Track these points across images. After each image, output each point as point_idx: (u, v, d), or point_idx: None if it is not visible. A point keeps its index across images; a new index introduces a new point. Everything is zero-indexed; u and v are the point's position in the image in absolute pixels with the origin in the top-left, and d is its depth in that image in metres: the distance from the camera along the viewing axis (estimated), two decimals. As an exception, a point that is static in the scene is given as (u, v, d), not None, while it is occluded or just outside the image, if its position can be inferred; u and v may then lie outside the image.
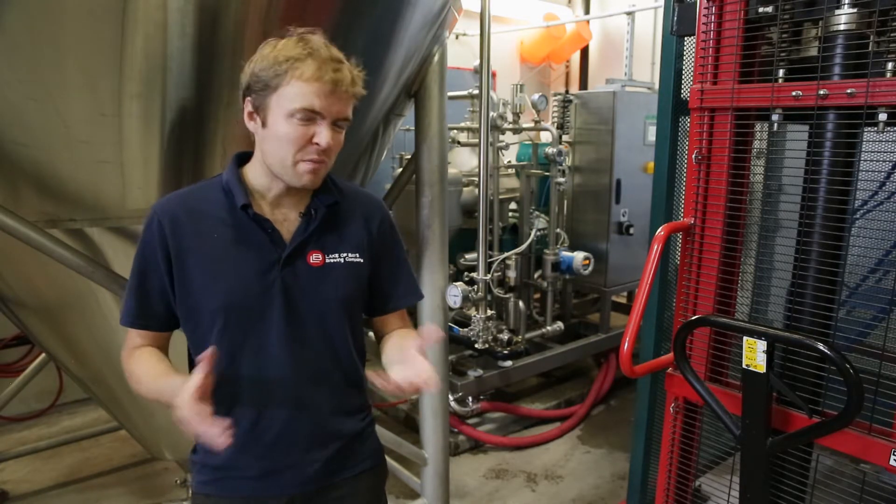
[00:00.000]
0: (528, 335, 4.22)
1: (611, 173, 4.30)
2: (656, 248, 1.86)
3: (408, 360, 1.23)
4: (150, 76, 1.61)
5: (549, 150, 4.07)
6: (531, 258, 4.36)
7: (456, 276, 4.13)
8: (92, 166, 1.73)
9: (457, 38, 6.26)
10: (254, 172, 1.35)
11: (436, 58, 2.43)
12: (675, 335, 1.77)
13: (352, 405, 1.47)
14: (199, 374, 1.11)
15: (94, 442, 3.75)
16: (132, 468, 3.53)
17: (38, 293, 2.16)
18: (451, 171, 3.81)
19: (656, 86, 2.70)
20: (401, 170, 3.28)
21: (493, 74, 6.28)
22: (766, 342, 1.56)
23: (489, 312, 3.69)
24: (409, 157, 3.37)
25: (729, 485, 1.85)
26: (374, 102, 2.20)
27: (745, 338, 1.59)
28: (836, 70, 1.63)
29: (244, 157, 1.38)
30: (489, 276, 3.65)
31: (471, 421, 3.95)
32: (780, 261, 1.89)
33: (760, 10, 1.71)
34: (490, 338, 3.76)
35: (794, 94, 1.65)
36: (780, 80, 1.69)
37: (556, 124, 4.47)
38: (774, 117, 1.72)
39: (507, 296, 4.12)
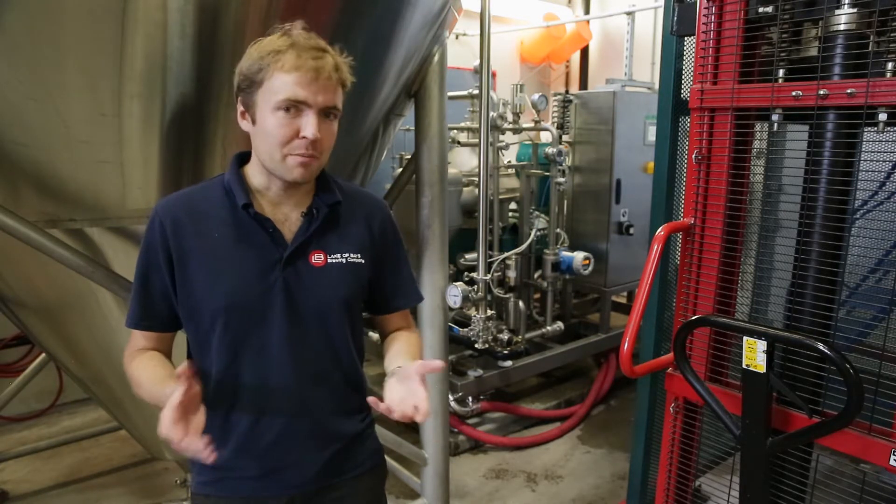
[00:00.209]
0: (528, 335, 4.22)
1: (611, 173, 4.30)
2: (656, 248, 1.86)
3: (405, 381, 1.21)
4: (150, 76, 1.61)
5: (549, 150, 4.07)
6: (531, 258, 4.35)
7: (456, 276, 4.13)
8: (92, 166, 1.73)
9: (457, 38, 6.26)
10: (253, 172, 1.35)
11: (436, 58, 2.43)
12: (675, 335, 1.77)
13: (352, 405, 1.47)
14: (176, 393, 1.10)
15: (94, 442, 3.75)
16: (132, 468, 3.52)
17: (38, 293, 2.16)
18: (451, 171, 3.81)
19: (656, 86, 2.70)
20: (401, 170, 3.28)
21: (493, 74, 6.28)
22: (766, 342, 1.56)
23: (489, 312, 3.69)
24: (409, 157, 3.37)
25: (729, 485, 1.85)
26: (374, 102, 2.20)
27: (745, 338, 1.59)
28: (836, 70, 1.63)
29: (245, 157, 1.38)
30: (489, 276, 3.65)
31: (471, 421, 3.95)
32: (780, 261, 1.89)
33: (760, 10, 1.71)
34: (490, 338, 3.76)
35: (794, 94, 1.65)
36: (780, 80, 1.69)
37: (556, 124, 4.47)
38: (774, 117, 1.72)
39: (507, 296, 4.12)
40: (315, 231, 1.34)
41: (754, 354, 1.58)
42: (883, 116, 1.54)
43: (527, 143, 4.49)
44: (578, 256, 4.17)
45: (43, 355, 3.39)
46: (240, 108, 1.29)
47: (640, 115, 4.36)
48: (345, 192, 1.42)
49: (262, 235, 1.31)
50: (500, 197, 4.12)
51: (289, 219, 1.35)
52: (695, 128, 1.88)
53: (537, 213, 4.35)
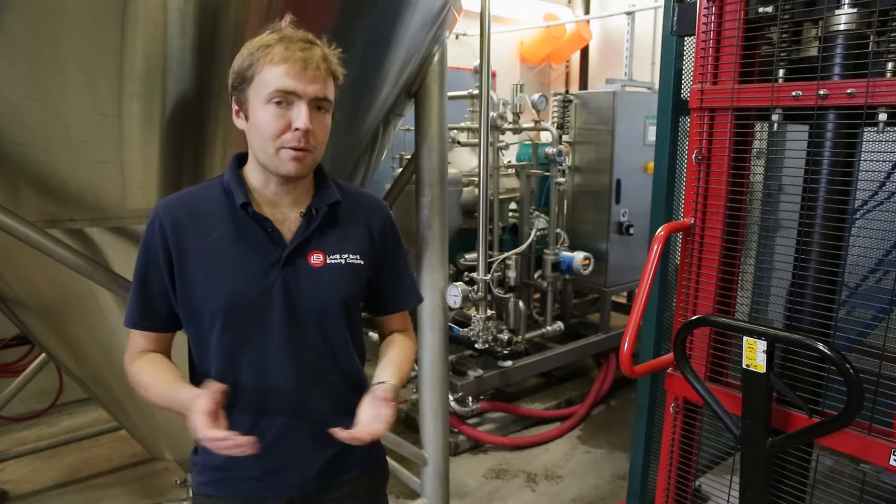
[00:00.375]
0: (528, 335, 4.22)
1: (611, 173, 4.29)
2: (656, 248, 1.85)
3: (373, 404, 1.27)
4: (150, 76, 1.61)
5: (549, 150, 4.07)
6: (531, 258, 4.35)
7: (456, 276, 4.13)
8: (92, 166, 1.73)
9: (457, 38, 6.26)
10: (251, 171, 1.35)
11: (436, 58, 2.43)
12: (675, 335, 1.77)
13: (352, 405, 1.45)
14: (205, 401, 1.14)
15: (94, 442, 3.75)
16: (132, 468, 3.52)
17: (38, 293, 2.16)
18: (451, 171, 3.81)
19: (656, 86, 2.70)
20: (401, 170, 3.28)
21: (493, 74, 6.28)
22: (766, 342, 1.56)
23: (489, 312, 3.69)
24: (409, 157, 3.37)
25: (729, 485, 1.85)
26: (374, 102, 2.20)
27: (745, 338, 1.59)
28: (836, 70, 1.62)
29: (244, 158, 1.38)
30: (489, 276, 3.65)
31: (471, 421, 3.95)
32: (780, 261, 1.89)
33: (760, 10, 1.71)
34: (490, 338, 3.76)
35: (794, 94, 1.65)
36: (780, 80, 1.69)
37: (556, 124, 4.46)
38: (774, 117, 1.72)
39: (507, 296, 4.12)
40: (314, 231, 1.34)
41: (754, 354, 1.58)
42: (883, 116, 1.54)
43: (527, 143, 4.49)
44: (578, 256, 4.17)
45: (43, 355, 3.39)
46: (234, 106, 1.30)
47: (640, 115, 4.36)
48: (345, 193, 1.41)
49: (261, 235, 1.31)
50: (500, 197, 4.12)
51: (288, 218, 1.35)
52: (695, 128, 1.88)
53: (537, 213, 4.35)
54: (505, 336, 3.84)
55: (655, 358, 2.20)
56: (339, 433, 1.23)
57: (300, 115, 1.22)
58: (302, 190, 1.36)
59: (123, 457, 3.62)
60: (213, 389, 1.16)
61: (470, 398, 3.83)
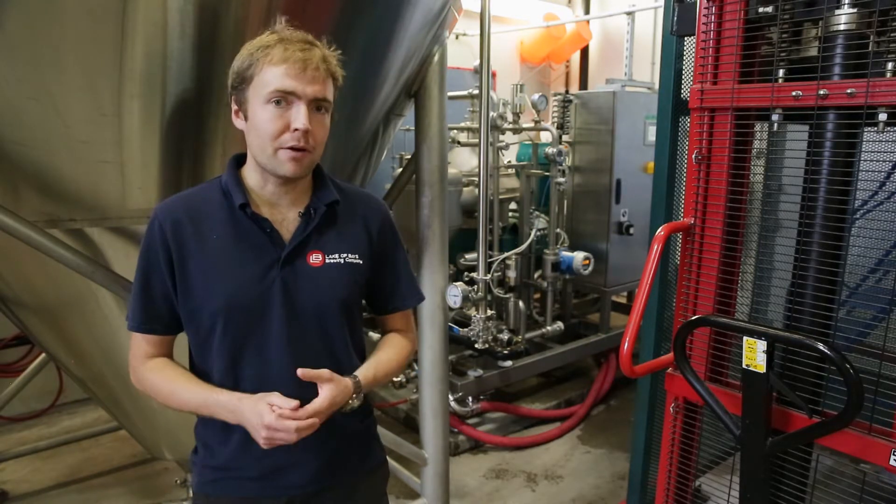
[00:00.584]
0: (528, 335, 4.22)
1: (611, 173, 4.29)
2: (656, 248, 1.85)
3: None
4: (150, 76, 1.61)
5: (549, 150, 4.07)
6: (531, 258, 4.36)
7: (456, 276, 4.13)
8: (92, 166, 1.73)
9: (457, 38, 6.26)
10: (249, 171, 1.35)
11: (436, 58, 2.43)
12: (675, 335, 1.77)
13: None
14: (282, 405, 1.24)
15: (94, 442, 3.75)
16: (132, 468, 3.52)
17: (38, 293, 2.16)
18: (451, 171, 3.81)
19: (656, 86, 2.70)
20: (401, 170, 3.28)
21: (493, 74, 6.28)
22: (766, 342, 1.56)
23: (489, 312, 3.69)
24: (409, 157, 3.37)
25: (729, 485, 1.85)
26: (374, 102, 2.20)
27: (745, 338, 1.59)
28: (836, 70, 1.62)
29: (242, 159, 1.38)
30: (489, 276, 3.65)
31: (471, 421, 3.95)
32: (780, 261, 1.88)
33: (760, 10, 1.71)
34: (490, 338, 3.76)
35: (794, 94, 1.65)
36: (780, 80, 1.69)
37: (556, 124, 4.46)
38: (774, 117, 1.72)
39: (507, 296, 4.12)
40: (313, 231, 1.35)
41: (754, 354, 1.58)
42: (883, 116, 1.53)
43: (527, 143, 4.49)
44: (578, 256, 4.17)
45: (43, 355, 3.38)
46: (234, 106, 1.30)
47: (640, 115, 4.36)
48: (344, 193, 1.42)
49: (260, 236, 1.31)
50: (500, 197, 4.12)
51: (286, 218, 1.35)
52: (695, 128, 1.88)
53: (537, 213, 4.35)
54: (505, 336, 3.84)
55: (655, 358, 2.20)
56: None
57: (299, 116, 1.22)
58: (300, 190, 1.36)
59: (123, 457, 3.62)
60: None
61: (470, 398, 3.83)
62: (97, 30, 1.51)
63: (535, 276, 4.35)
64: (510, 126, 4.05)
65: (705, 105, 1.83)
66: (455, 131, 4.28)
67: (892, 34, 1.53)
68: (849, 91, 1.55)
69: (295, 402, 1.23)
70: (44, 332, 2.37)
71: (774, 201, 1.93)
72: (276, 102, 1.22)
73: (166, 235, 1.30)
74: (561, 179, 4.16)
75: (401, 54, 2.15)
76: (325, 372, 1.28)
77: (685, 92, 2.25)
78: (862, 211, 1.82)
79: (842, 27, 1.60)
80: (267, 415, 1.22)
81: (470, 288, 3.59)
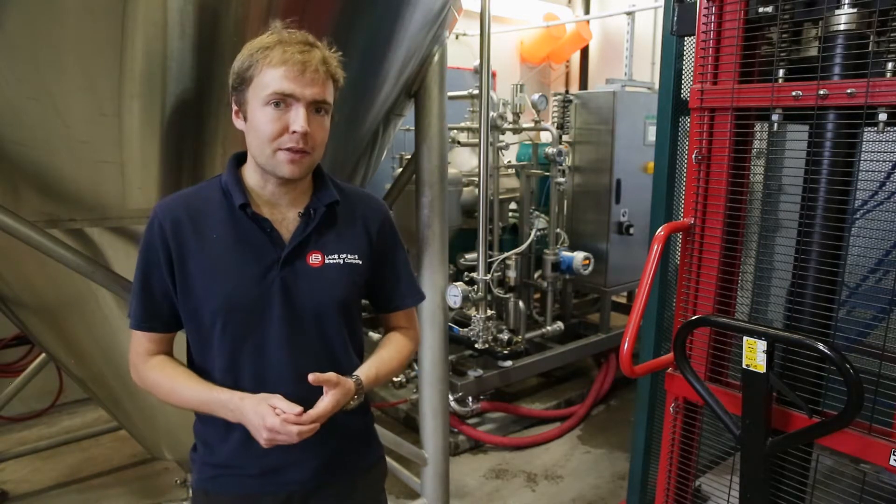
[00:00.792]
0: (528, 335, 4.22)
1: (611, 173, 4.29)
2: (656, 248, 1.85)
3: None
4: (150, 76, 1.61)
5: (549, 150, 4.07)
6: (531, 258, 4.35)
7: (456, 276, 4.13)
8: (92, 166, 1.73)
9: (457, 38, 6.26)
10: (249, 171, 1.35)
11: (436, 58, 2.43)
12: (675, 335, 1.77)
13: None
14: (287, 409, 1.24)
15: (94, 442, 3.75)
16: (132, 468, 3.52)
17: (38, 293, 2.16)
18: (451, 171, 3.81)
19: (656, 86, 2.70)
20: (401, 170, 3.28)
21: (493, 74, 6.28)
22: (766, 342, 1.56)
23: (489, 312, 3.69)
24: (409, 157, 3.37)
25: (729, 485, 1.85)
26: (374, 102, 2.20)
27: (744, 338, 1.59)
28: (836, 70, 1.62)
29: (242, 158, 1.38)
30: (489, 276, 3.65)
31: (471, 421, 3.95)
32: (780, 261, 1.88)
33: (760, 10, 1.71)
34: (490, 338, 3.76)
35: (794, 94, 1.65)
36: (780, 80, 1.69)
37: (556, 124, 4.46)
38: (774, 117, 1.72)
39: (507, 296, 4.12)
40: (313, 231, 1.35)
41: (754, 354, 1.58)
42: (883, 116, 1.53)
43: (527, 143, 4.49)
44: (578, 256, 4.17)
45: (43, 355, 3.38)
46: (234, 106, 1.30)
47: (640, 115, 4.36)
48: (343, 193, 1.42)
49: (259, 235, 1.32)
50: (500, 197, 4.12)
51: (286, 218, 1.35)
52: (695, 128, 1.88)
53: (537, 213, 4.35)
54: (505, 336, 3.84)
55: (655, 358, 2.20)
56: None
57: (298, 118, 1.22)
58: (300, 190, 1.37)
59: (123, 457, 3.62)
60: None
61: (470, 398, 3.83)
62: (97, 30, 1.51)
63: (535, 276, 4.35)
64: (510, 126, 4.05)
65: (705, 105, 1.83)
66: (455, 131, 4.28)
67: (892, 34, 1.53)
68: (849, 91, 1.55)
69: (299, 409, 1.23)
70: (44, 332, 2.37)
71: (774, 201, 1.93)
72: (275, 104, 1.22)
73: (166, 234, 1.30)
74: (561, 179, 4.16)
75: (401, 54, 2.15)
76: (332, 376, 1.27)
77: (685, 92, 2.25)
78: (862, 211, 1.82)
79: (842, 27, 1.60)
80: (269, 417, 1.22)
81: (470, 288, 3.59)
